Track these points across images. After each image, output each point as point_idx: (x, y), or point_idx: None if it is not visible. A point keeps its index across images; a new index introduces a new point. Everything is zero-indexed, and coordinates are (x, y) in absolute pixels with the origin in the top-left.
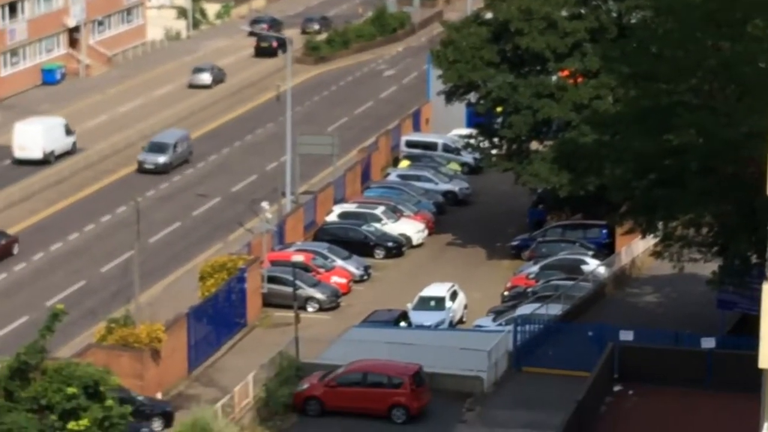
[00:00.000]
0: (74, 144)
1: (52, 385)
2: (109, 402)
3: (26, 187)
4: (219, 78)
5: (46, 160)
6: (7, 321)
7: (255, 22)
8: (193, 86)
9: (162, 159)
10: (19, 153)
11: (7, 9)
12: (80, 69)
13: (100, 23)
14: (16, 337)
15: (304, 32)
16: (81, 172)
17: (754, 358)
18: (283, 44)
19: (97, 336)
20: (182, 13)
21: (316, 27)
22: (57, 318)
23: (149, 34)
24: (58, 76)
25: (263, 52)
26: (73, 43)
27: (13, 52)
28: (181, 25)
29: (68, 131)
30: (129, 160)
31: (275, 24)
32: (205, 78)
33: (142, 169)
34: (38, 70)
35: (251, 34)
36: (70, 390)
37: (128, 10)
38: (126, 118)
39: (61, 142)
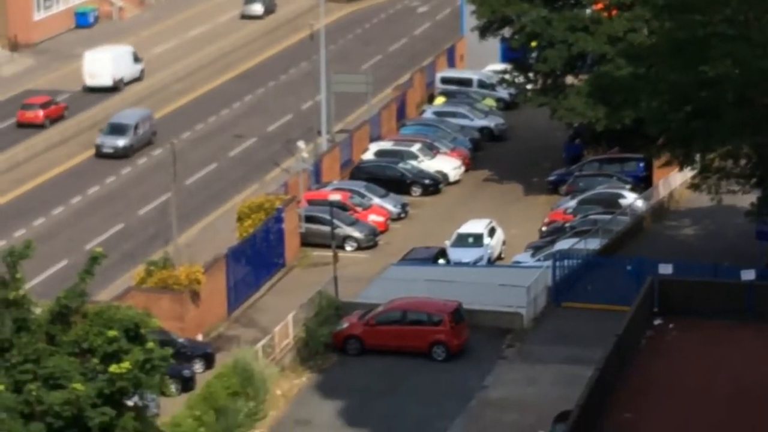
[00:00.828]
0: (142, 71)
1: (93, 329)
2: (149, 344)
3: (58, 133)
4: (270, 8)
5: (116, 87)
6: (47, 265)
7: None
8: (245, 17)
9: (122, 142)
10: (89, 81)
11: None
12: (113, 12)
13: None
14: (56, 281)
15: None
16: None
17: None
18: None
19: (137, 279)
20: None
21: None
22: (96, 261)
23: None
24: (92, 19)
25: None
26: None
27: None
28: None
29: (136, 59)
30: (161, 103)
31: None
32: (257, 8)
33: (100, 154)
34: (71, 14)
35: None
36: (111, 333)
37: None
38: (160, 60)
39: (129, 70)
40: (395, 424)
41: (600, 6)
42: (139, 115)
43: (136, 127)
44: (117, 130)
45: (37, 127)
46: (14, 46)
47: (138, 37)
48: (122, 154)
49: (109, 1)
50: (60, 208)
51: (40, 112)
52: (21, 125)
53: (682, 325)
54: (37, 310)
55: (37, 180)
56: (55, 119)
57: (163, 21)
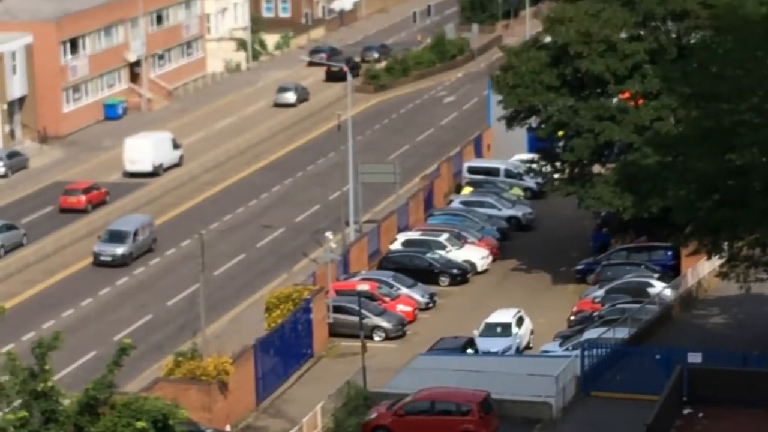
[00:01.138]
0: (181, 157)
1: (122, 420)
2: None
3: (95, 220)
4: (303, 96)
5: (155, 173)
6: (76, 356)
7: (314, 51)
8: (278, 105)
9: (120, 250)
10: (130, 167)
11: (68, 45)
12: (142, 103)
13: (161, 57)
14: (84, 372)
15: (363, 61)
16: (143, 207)
17: None
18: (353, 67)
19: (165, 370)
20: (242, 44)
21: (376, 55)
22: (125, 352)
23: (209, 66)
24: (120, 111)
25: (333, 76)
26: (134, 77)
27: (76, 88)
28: (240, 57)
29: (175, 145)
30: (191, 193)
31: (334, 53)
32: (290, 96)
33: (98, 262)
34: (100, 106)
35: (311, 63)
36: (140, 424)
37: (188, 44)
38: (190, 150)
39: (169, 156)
40: None
41: (626, 95)
42: (140, 222)
43: (135, 234)
44: (116, 237)
45: (80, 212)
46: (44, 139)
47: (166, 128)
48: (120, 263)
49: (137, 93)
50: (89, 299)
51: (83, 197)
52: (63, 210)
53: (711, 415)
54: (66, 402)
55: (67, 271)
56: (97, 204)
57: (191, 112)
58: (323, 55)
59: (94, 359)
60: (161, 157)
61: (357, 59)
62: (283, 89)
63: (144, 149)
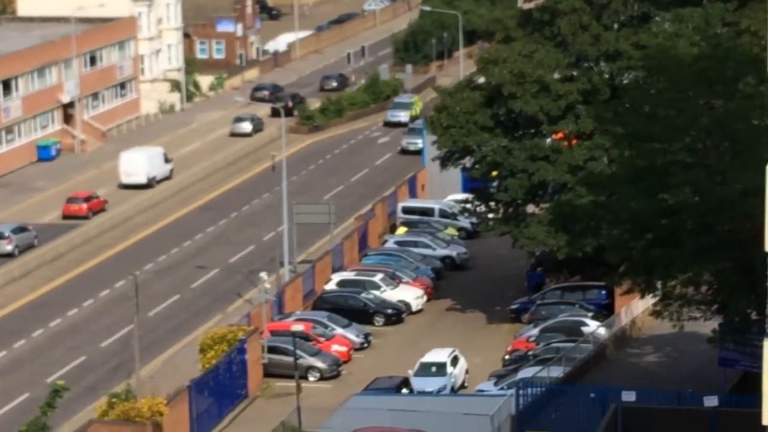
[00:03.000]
0: (171, 171)
1: None
2: None
3: (23, 264)
4: (258, 127)
5: (149, 185)
6: (9, 398)
7: (257, 89)
8: (234, 134)
9: None
10: (125, 179)
11: (1, 86)
12: (75, 144)
13: (94, 98)
14: (18, 414)
15: (322, 89)
16: (78, 248)
17: (758, 415)
18: (299, 102)
19: (99, 411)
20: (176, 85)
21: (335, 84)
22: (58, 394)
23: (143, 107)
24: (54, 152)
25: (277, 113)
26: (68, 118)
27: (8, 130)
28: (175, 98)
29: (166, 159)
30: (126, 234)
31: (277, 90)
32: (246, 126)
33: None
34: (33, 147)
35: (254, 99)
36: None
37: (122, 85)
38: (125, 192)
39: (161, 169)
40: None
41: (560, 135)
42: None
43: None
44: None
45: (82, 218)
46: None
47: (100, 169)
48: None
49: (71, 134)
50: (22, 341)
51: (84, 206)
52: (66, 217)
53: None
54: None
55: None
56: (97, 212)
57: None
58: (266, 92)
59: (27, 401)
60: (154, 169)
61: (303, 93)
62: (239, 119)
63: (138, 162)
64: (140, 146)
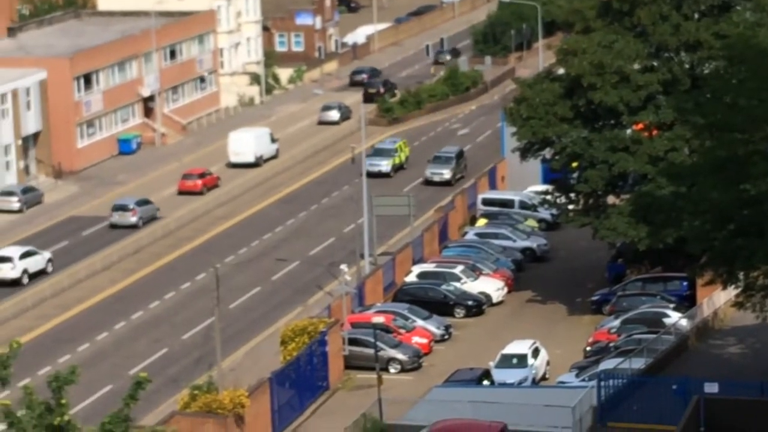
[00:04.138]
0: (277, 150)
1: None
2: None
3: (105, 257)
4: (346, 115)
5: (257, 164)
6: (92, 390)
7: (356, 72)
8: (322, 123)
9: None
10: (234, 158)
11: (82, 81)
12: (156, 138)
13: (174, 91)
14: (100, 406)
15: (436, 63)
16: (159, 241)
17: None
18: (389, 89)
19: (181, 403)
20: (255, 78)
21: (448, 57)
22: (140, 386)
23: (223, 100)
24: (134, 146)
25: (369, 97)
26: (148, 112)
27: (90, 123)
28: (254, 91)
29: (273, 139)
30: (207, 226)
31: (375, 74)
32: (334, 115)
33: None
34: (114, 141)
35: (353, 84)
36: None
37: (201, 78)
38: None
39: (267, 148)
40: None
41: (640, 126)
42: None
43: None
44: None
45: (197, 194)
46: (58, 174)
47: (181, 162)
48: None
49: (151, 128)
50: (105, 334)
51: (199, 182)
52: (182, 193)
53: None
54: None
55: (83, 305)
56: (211, 188)
57: (205, 146)
58: (365, 75)
59: (110, 393)
60: (262, 149)
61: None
62: (327, 108)
63: (247, 142)
64: (247, 127)
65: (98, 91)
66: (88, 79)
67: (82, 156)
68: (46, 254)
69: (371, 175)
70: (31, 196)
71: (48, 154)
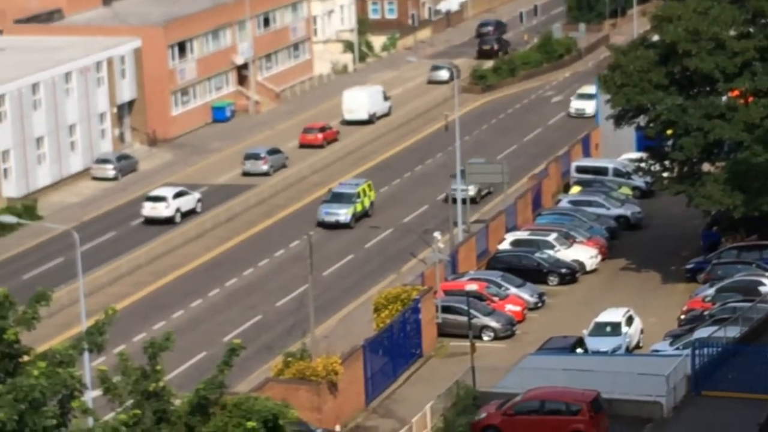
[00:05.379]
0: (390, 107)
1: (232, 420)
2: None
3: (200, 224)
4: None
5: (370, 121)
6: (187, 357)
7: (483, 25)
8: (432, 82)
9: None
10: (348, 115)
11: (176, 49)
12: (249, 106)
13: (268, 59)
14: (195, 373)
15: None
16: (252, 209)
17: None
18: (503, 47)
19: (275, 370)
20: (348, 46)
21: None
22: (235, 353)
23: (316, 68)
24: (228, 114)
25: (484, 54)
26: (242, 80)
27: (184, 91)
28: (347, 59)
29: (385, 97)
30: (300, 194)
31: (500, 26)
32: (443, 74)
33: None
34: (208, 108)
35: (478, 36)
36: (250, 424)
37: (295, 46)
38: (298, 152)
39: (381, 106)
40: None
41: (736, 93)
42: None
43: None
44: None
45: (317, 147)
46: (153, 141)
47: (274, 130)
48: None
49: (245, 96)
50: (198, 300)
51: (320, 135)
52: (302, 146)
53: None
54: (177, 402)
55: (177, 273)
56: (331, 141)
57: (298, 114)
58: (491, 28)
59: (204, 360)
60: (375, 106)
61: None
62: (436, 68)
63: (360, 100)
64: (361, 86)
65: (192, 59)
66: (182, 47)
67: (176, 124)
68: (196, 194)
69: (326, 226)
70: (125, 164)
71: (143, 122)
